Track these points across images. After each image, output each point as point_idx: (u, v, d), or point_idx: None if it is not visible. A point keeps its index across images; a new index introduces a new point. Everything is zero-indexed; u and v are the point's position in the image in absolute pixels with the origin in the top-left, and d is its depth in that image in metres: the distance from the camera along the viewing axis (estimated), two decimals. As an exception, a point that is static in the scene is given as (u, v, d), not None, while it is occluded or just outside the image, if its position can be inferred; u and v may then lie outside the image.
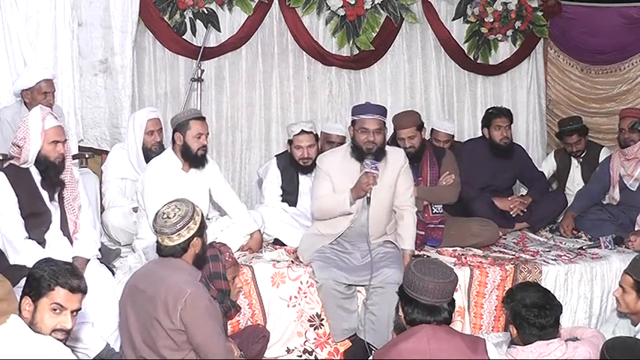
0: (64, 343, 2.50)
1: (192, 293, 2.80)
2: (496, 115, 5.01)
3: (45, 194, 3.48)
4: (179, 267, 2.94)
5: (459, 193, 4.55)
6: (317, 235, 3.96)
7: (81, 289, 2.52)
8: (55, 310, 2.47)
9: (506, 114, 5.04)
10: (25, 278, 3.25)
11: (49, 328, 2.46)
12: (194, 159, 4.03)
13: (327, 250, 3.87)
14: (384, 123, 3.91)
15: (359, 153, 3.83)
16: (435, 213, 4.48)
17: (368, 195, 3.74)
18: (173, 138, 4.04)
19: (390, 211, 3.96)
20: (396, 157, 3.95)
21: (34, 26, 4.66)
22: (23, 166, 3.44)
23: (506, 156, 5.03)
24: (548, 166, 5.70)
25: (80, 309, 2.56)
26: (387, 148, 3.96)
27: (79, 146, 4.86)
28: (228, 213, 4.24)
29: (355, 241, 3.93)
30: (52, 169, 3.45)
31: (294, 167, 4.63)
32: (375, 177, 3.71)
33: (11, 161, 3.48)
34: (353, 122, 3.92)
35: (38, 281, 2.49)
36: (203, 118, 4.10)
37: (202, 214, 3.06)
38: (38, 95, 4.33)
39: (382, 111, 3.92)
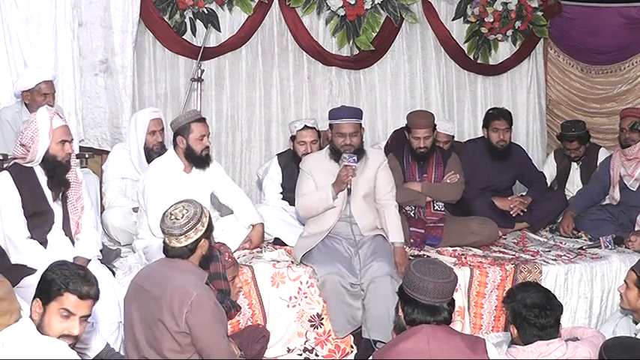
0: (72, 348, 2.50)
1: (199, 296, 2.78)
2: (495, 118, 5.00)
3: (49, 194, 3.47)
4: (185, 268, 2.92)
5: (462, 192, 4.59)
6: (309, 237, 4.01)
7: (90, 296, 2.52)
8: (63, 315, 2.47)
9: (506, 117, 5.01)
10: (25, 278, 3.28)
11: (56, 333, 2.46)
12: (198, 160, 4.04)
13: (321, 248, 3.91)
14: (360, 125, 4.04)
15: (337, 155, 3.97)
16: (437, 210, 4.52)
17: (348, 186, 3.89)
18: (175, 141, 4.03)
19: (372, 203, 4.07)
20: (375, 156, 4.14)
21: (35, 26, 4.65)
22: (28, 165, 3.43)
23: (503, 158, 5.03)
24: (549, 169, 5.68)
25: (90, 315, 2.55)
26: (367, 149, 4.12)
27: (79, 146, 4.86)
28: (233, 207, 4.24)
29: (347, 236, 3.98)
30: (59, 169, 3.44)
31: (295, 164, 4.63)
32: (354, 169, 3.85)
33: (16, 160, 3.47)
34: (330, 126, 4.05)
35: (49, 285, 2.48)
36: (204, 119, 4.09)
37: (210, 215, 3.05)
38: (38, 97, 4.33)
39: (358, 113, 4.07)
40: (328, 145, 4.11)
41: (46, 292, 2.48)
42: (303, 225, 4.31)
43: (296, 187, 4.16)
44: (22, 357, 2.38)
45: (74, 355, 2.47)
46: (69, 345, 2.47)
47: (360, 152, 3.98)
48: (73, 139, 3.56)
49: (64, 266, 2.55)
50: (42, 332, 2.46)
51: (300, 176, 4.13)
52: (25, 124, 3.50)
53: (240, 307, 3.71)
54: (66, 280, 2.47)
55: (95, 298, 2.54)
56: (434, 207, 4.53)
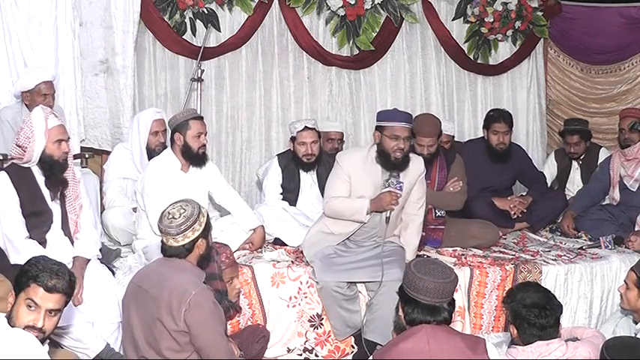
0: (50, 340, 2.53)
1: (197, 294, 2.79)
2: (495, 120, 4.96)
3: (47, 193, 3.47)
4: (183, 267, 2.93)
5: (464, 200, 4.49)
6: (325, 234, 3.90)
7: (57, 290, 2.51)
8: (29, 306, 2.49)
9: (506, 119, 4.97)
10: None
11: (22, 324, 2.49)
12: (195, 158, 4.04)
13: (330, 251, 3.84)
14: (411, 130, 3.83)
15: (385, 159, 3.73)
16: (438, 216, 4.46)
17: (387, 215, 3.72)
18: (172, 138, 4.05)
19: (400, 212, 3.92)
20: (417, 165, 3.86)
21: (36, 26, 4.65)
22: (25, 165, 3.43)
23: (502, 160, 5.01)
24: (550, 168, 5.68)
25: (60, 310, 2.55)
26: (411, 155, 3.85)
27: (80, 146, 4.86)
28: (230, 211, 4.24)
29: (362, 241, 3.91)
30: (56, 168, 3.44)
31: (296, 165, 4.63)
32: (398, 197, 3.67)
33: (13, 160, 3.47)
34: (380, 127, 3.77)
35: (21, 275, 2.53)
36: (201, 118, 4.12)
37: (208, 215, 3.05)
38: (38, 97, 4.32)
39: (411, 119, 3.84)
40: (372, 146, 3.84)
41: (18, 282, 2.52)
42: (304, 225, 4.31)
43: (328, 185, 3.91)
44: None
45: (38, 347, 2.47)
46: (37, 337, 2.48)
47: (404, 164, 3.74)
48: (69, 138, 3.55)
49: (40, 260, 2.58)
50: (11, 323, 2.49)
51: (335, 173, 3.85)
52: (21, 125, 3.49)
53: (241, 308, 3.71)
54: (36, 272, 2.49)
55: (65, 292, 2.54)
56: (435, 214, 4.44)
